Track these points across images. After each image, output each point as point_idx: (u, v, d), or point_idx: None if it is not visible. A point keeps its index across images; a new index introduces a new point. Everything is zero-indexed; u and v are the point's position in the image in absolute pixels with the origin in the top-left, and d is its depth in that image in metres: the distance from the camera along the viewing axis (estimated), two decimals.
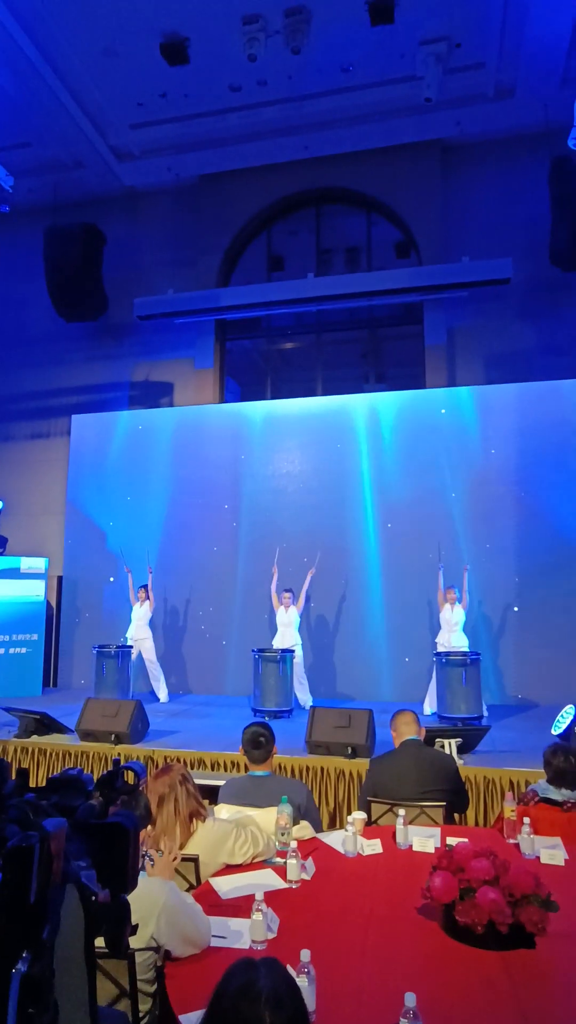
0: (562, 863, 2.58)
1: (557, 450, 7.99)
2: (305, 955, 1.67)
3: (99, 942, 0.90)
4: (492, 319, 8.82)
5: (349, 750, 4.96)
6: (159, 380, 9.94)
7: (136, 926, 0.90)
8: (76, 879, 0.77)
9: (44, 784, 0.95)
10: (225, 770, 5.04)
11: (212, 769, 5.09)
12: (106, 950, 0.91)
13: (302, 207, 10.05)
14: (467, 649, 6.70)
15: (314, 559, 7.86)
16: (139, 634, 7.63)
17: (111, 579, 8.84)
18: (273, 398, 9.66)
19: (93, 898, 0.79)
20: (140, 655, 7.64)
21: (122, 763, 1.03)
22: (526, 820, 2.74)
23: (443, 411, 8.45)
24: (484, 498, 8.13)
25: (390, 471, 8.43)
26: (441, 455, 8.30)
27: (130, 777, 1.00)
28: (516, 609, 7.68)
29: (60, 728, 5.81)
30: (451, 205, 9.21)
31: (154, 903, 1.84)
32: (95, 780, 0.95)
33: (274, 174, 9.59)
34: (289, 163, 9.46)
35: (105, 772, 0.97)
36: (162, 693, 7.73)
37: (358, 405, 8.85)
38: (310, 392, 9.58)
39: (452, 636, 6.85)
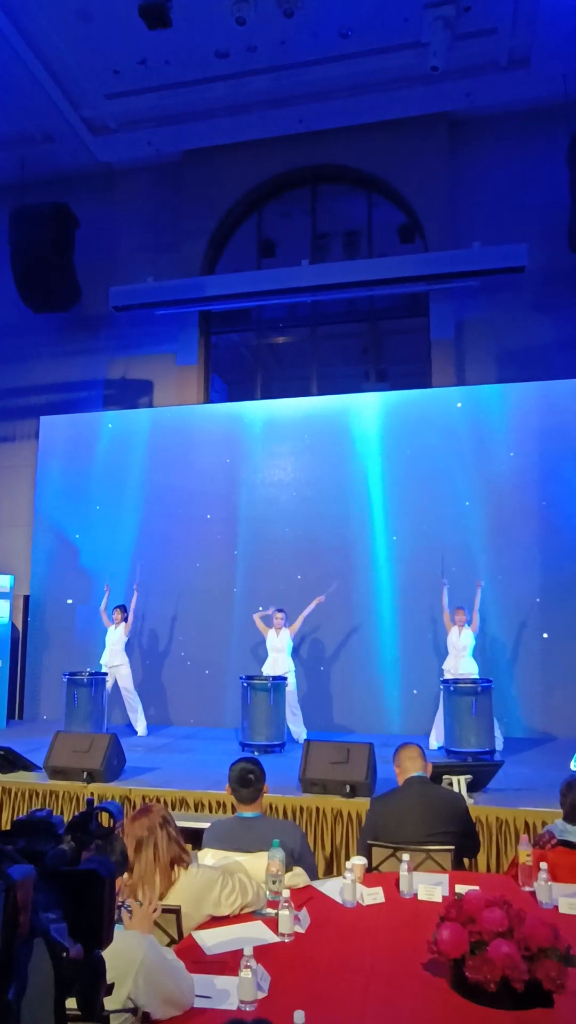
0: None
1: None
2: (299, 1017, 1.68)
3: (71, 1003, 0.91)
4: (505, 311, 8.91)
5: (347, 788, 4.97)
6: (137, 378, 9.98)
7: (112, 985, 0.91)
8: (45, 932, 0.78)
9: (8, 827, 0.96)
10: (210, 811, 5.04)
11: (196, 810, 5.08)
12: (78, 1012, 0.92)
13: (296, 187, 10.15)
14: (477, 676, 6.72)
15: (309, 575, 7.88)
16: (114, 660, 7.62)
17: (68, 601, 8.77)
18: (263, 398, 9.71)
19: (64, 954, 0.80)
20: (116, 683, 7.62)
21: (96, 804, 1.05)
22: (543, 865, 2.76)
23: (459, 404, 8.50)
24: (500, 508, 8.19)
25: (393, 478, 8.48)
26: (450, 461, 8.36)
27: (105, 819, 1.02)
28: (545, 636, 7.70)
29: (26, 765, 5.79)
30: (460, 185, 9.32)
31: (131, 959, 1.84)
32: (66, 823, 0.97)
33: (265, 150, 9.69)
34: (282, 138, 9.56)
35: (77, 814, 0.98)
36: (140, 725, 7.71)
37: (357, 405, 8.92)
38: (304, 391, 9.64)
39: (460, 662, 6.88)
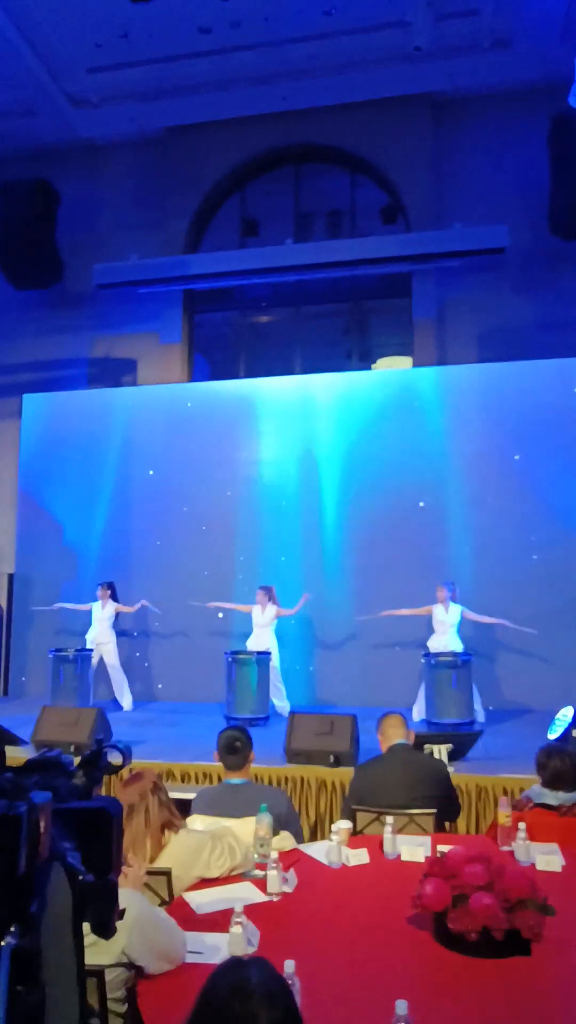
0: (559, 869, 2.68)
1: (558, 434, 8.13)
2: (289, 966, 1.73)
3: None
4: (486, 292, 8.92)
5: (331, 758, 5.03)
6: (121, 356, 9.88)
7: (123, 910, 0.94)
8: (62, 857, 0.81)
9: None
10: (197, 782, 5.09)
11: (183, 781, 5.13)
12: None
13: (279, 165, 10.04)
14: (461, 651, 6.80)
15: (292, 554, 7.90)
16: (101, 637, 7.63)
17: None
18: (247, 376, 9.66)
19: (80, 878, 0.83)
20: (101, 660, 7.63)
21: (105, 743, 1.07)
22: (521, 826, 2.84)
23: (439, 383, 8.53)
24: (479, 487, 8.24)
25: (377, 456, 8.50)
26: (433, 439, 8.39)
27: (116, 759, 1.04)
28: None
29: (13, 739, 5.79)
30: (442, 166, 9.28)
31: (125, 916, 1.87)
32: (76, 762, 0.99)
33: (249, 128, 9.56)
34: (265, 116, 9.43)
35: (87, 751, 1.01)
36: (126, 701, 7.73)
37: (341, 384, 8.90)
38: (287, 370, 9.60)
39: (445, 638, 6.95)
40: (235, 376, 9.77)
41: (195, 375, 10.04)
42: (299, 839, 3.13)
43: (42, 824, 0.73)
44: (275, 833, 2.87)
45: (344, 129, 9.39)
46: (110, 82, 9.08)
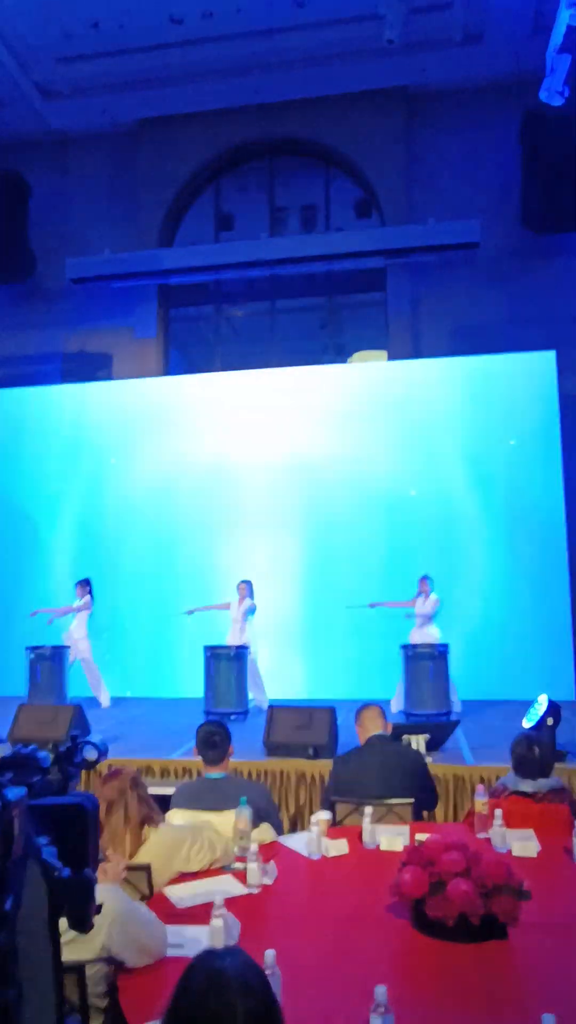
0: (535, 855, 2.72)
1: (530, 427, 8.22)
2: (269, 956, 1.74)
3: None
4: (460, 286, 8.98)
5: (310, 751, 5.05)
6: (96, 351, 9.79)
7: (101, 905, 0.94)
8: (37, 853, 0.81)
9: None
10: (176, 778, 5.07)
11: (162, 777, 5.11)
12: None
13: (253, 159, 10.01)
14: (439, 642, 6.86)
15: (270, 548, 7.91)
16: (76, 634, 7.57)
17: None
18: (223, 371, 9.63)
19: (56, 874, 0.83)
20: (78, 657, 7.57)
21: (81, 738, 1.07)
22: (497, 813, 2.88)
23: (416, 378, 8.57)
24: (454, 480, 8.31)
25: (351, 450, 8.53)
26: (408, 432, 8.44)
27: (92, 754, 1.04)
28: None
29: None
30: (416, 160, 9.31)
31: (105, 911, 1.86)
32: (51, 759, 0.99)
33: (222, 121, 9.51)
34: (239, 108, 9.39)
35: (62, 747, 1.00)
36: (103, 697, 7.69)
37: (316, 378, 8.91)
38: (263, 365, 9.58)
39: (425, 630, 7.01)
40: (211, 370, 9.73)
41: (170, 369, 9.98)
42: (279, 832, 3.14)
43: (16, 822, 0.73)
44: (255, 826, 2.88)
45: (318, 122, 9.38)
46: (81, 73, 8.97)
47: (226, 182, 10.14)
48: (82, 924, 0.89)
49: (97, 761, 1.08)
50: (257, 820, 2.95)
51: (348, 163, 9.56)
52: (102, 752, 1.08)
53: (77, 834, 0.86)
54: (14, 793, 0.74)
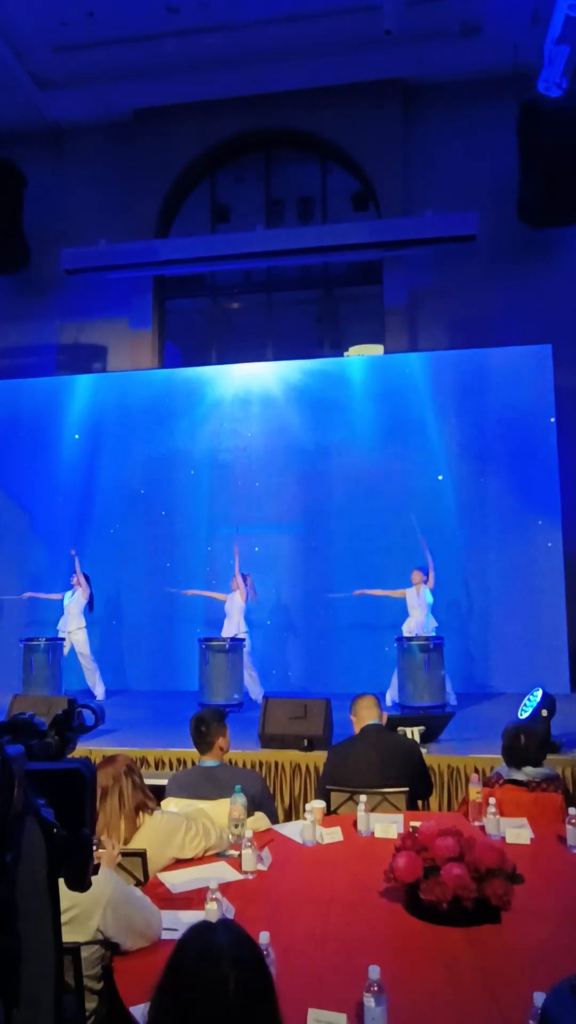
0: (528, 841, 2.74)
1: (527, 422, 8.24)
2: (264, 937, 1.75)
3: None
4: (457, 279, 8.98)
5: (305, 742, 5.07)
6: (90, 343, 9.77)
7: (98, 865, 0.95)
8: (36, 811, 0.82)
9: None
10: (171, 768, 5.09)
11: (156, 768, 5.12)
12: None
13: (250, 150, 9.98)
14: (434, 634, 6.88)
15: (264, 543, 7.91)
16: (71, 625, 7.57)
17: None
18: (219, 363, 9.62)
19: (55, 831, 0.84)
20: (73, 649, 7.58)
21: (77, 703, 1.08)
22: (492, 801, 2.90)
23: (418, 371, 8.57)
24: (451, 473, 8.33)
25: (348, 443, 8.54)
26: (404, 426, 8.45)
27: (90, 719, 1.05)
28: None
29: None
30: (413, 153, 9.29)
31: (99, 894, 1.88)
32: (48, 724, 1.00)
33: (218, 112, 9.47)
34: (235, 99, 9.36)
35: (60, 712, 1.01)
36: (98, 689, 7.70)
37: (312, 371, 8.91)
38: (259, 358, 9.58)
39: (419, 621, 7.02)
40: (206, 363, 9.72)
41: (166, 362, 9.96)
42: (274, 820, 3.16)
43: (16, 777, 0.74)
44: (249, 814, 2.90)
45: (315, 114, 9.35)
46: (76, 61, 8.92)
47: (222, 173, 10.11)
48: (80, 883, 0.90)
49: (94, 726, 1.09)
50: (252, 808, 2.96)
51: (345, 155, 9.53)
52: (99, 717, 1.09)
53: (74, 800, 0.87)
54: (13, 749, 0.75)
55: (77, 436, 9.12)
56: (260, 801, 3.12)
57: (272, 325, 9.85)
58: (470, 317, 8.93)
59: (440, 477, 8.32)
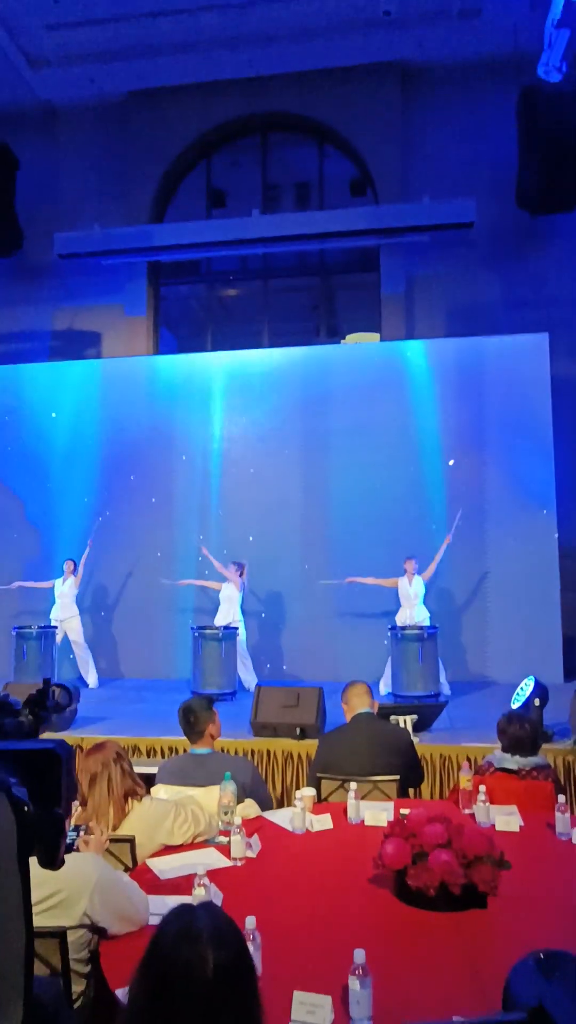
0: (517, 829, 2.76)
1: (523, 410, 8.22)
2: (250, 922, 1.76)
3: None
4: (454, 267, 8.95)
5: (298, 731, 5.08)
6: (85, 329, 9.71)
7: (71, 844, 0.94)
8: (8, 789, 0.81)
9: None
10: (163, 756, 5.10)
11: (148, 756, 5.14)
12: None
13: (246, 134, 9.90)
14: (427, 624, 6.90)
15: (261, 532, 7.90)
16: (65, 613, 7.57)
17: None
18: (214, 350, 9.58)
19: (26, 808, 0.83)
20: (66, 638, 7.58)
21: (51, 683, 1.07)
22: (482, 788, 2.91)
23: (412, 359, 8.55)
24: (446, 460, 8.32)
25: (343, 431, 8.51)
26: (400, 414, 8.43)
27: (64, 698, 1.05)
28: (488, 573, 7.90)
29: None
30: (411, 137, 9.23)
31: (86, 878, 1.89)
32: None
33: (214, 94, 9.39)
34: (231, 81, 9.28)
35: (34, 691, 1.01)
36: (91, 678, 7.71)
37: (309, 359, 8.87)
38: (255, 345, 9.54)
39: (412, 611, 7.04)
40: (202, 350, 9.67)
41: (161, 348, 9.92)
42: (268, 806, 3.17)
43: None
44: (239, 801, 2.90)
45: (313, 97, 9.27)
46: (69, 40, 8.81)
47: (218, 158, 10.03)
48: (51, 861, 0.90)
49: (69, 705, 1.09)
50: (243, 795, 2.97)
51: (342, 139, 9.46)
52: (74, 696, 1.09)
53: (48, 780, 0.87)
54: None
55: (70, 423, 9.07)
56: (252, 788, 3.12)
57: (268, 312, 9.80)
58: (467, 305, 8.90)
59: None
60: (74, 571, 7.65)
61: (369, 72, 9.10)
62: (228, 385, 8.89)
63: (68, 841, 2.17)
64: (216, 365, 9.05)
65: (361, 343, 9.62)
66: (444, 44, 8.79)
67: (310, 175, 9.93)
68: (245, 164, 10.02)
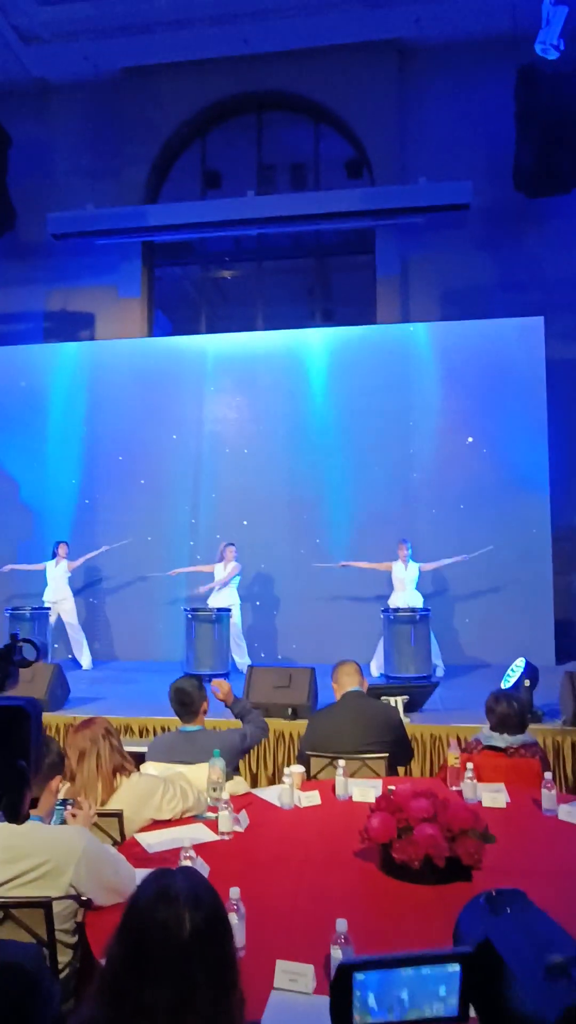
0: (504, 806, 2.78)
1: (518, 393, 8.20)
2: (235, 892, 1.77)
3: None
4: (450, 249, 8.88)
5: (290, 711, 5.11)
6: (78, 310, 9.63)
7: (37, 799, 0.94)
8: None
9: None
10: (155, 736, 5.12)
11: (140, 736, 5.16)
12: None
13: (241, 113, 9.78)
14: (421, 606, 6.91)
15: (253, 515, 7.90)
16: (58, 595, 7.56)
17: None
18: (208, 332, 9.51)
19: None
20: (60, 619, 7.58)
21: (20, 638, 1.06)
22: (469, 765, 2.93)
23: (407, 338, 8.51)
24: (440, 445, 8.30)
25: (336, 413, 8.49)
26: (394, 396, 8.39)
27: (31, 654, 1.04)
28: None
29: None
30: (408, 117, 9.12)
31: (72, 849, 1.90)
32: None
33: (209, 72, 9.26)
34: (226, 59, 9.14)
35: (1, 646, 1.00)
36: (85, 659, 7.72)
37: (304, 341, 8.82)
38: (249, 327, 9.48)
39: (405, 595, 7.05)
40: (196, 332, 9.60)
41: (155, 330, 9.85)
42: (237, 756, 3.23)
43: None
44: (229, 778, 2.92)
45: (308, 75, 9.15)
46: (62, 16, 8.67)
47: (213, 138, 9.91)
48: (15, 814, 0.90)
49: (35, 660, 1.09)
50: (231, 756, 2.99)
51: (338, 120, 9.35)
52: (40, 651, 1.08)
53: (16, 735, 0.87)
54: None
55: (63, 405, 9.02)
56: (231, 743, 3.12)
57: (263, 294, 9.73)
58: (463, 287, 8.84)
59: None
60: (68, 556, 7.62)
61: (365, 51, 8.98)
62: (223, 367, 8.83)
63: (56, 815, 2.18)
64: (209, 347, 8.98)
65: (355, 326, 9.55)
66: (441, 22, 8.67)
67: (306, 155, 9.83)
68: (240, 144, 9.91)
